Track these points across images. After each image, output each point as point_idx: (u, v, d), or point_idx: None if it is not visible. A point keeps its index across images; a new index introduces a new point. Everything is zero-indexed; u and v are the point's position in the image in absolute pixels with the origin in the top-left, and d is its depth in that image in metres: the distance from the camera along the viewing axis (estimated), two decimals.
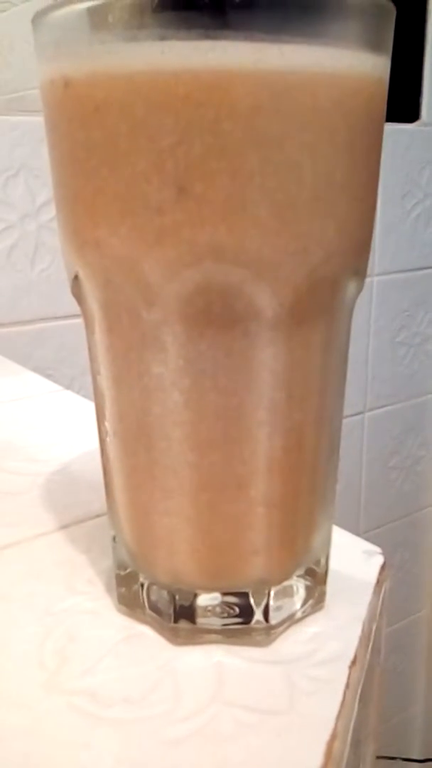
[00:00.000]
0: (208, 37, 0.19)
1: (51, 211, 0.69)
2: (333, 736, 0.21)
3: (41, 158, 0.67)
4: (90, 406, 0.51)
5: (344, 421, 1.07)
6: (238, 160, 0.20)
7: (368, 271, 1.04)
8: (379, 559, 0.30)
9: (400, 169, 0.99)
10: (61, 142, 0.22)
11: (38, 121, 0.68)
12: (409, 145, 0.99)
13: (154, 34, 0.19)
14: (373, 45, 0.21)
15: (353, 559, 0.30)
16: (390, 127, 0.99)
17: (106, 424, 0.26)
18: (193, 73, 0.19)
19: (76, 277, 0.24)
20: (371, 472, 1.12)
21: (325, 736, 0.21)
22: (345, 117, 0.21)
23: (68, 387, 0.55)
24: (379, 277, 1.02)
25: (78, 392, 0.54)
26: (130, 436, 0.25)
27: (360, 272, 0.24)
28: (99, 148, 0.21)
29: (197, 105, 0.19)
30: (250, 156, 0.20)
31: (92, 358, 0.25)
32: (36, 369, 0.64)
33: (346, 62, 0.20)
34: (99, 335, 0.24)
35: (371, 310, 1.03)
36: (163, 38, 0.19)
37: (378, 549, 0.31)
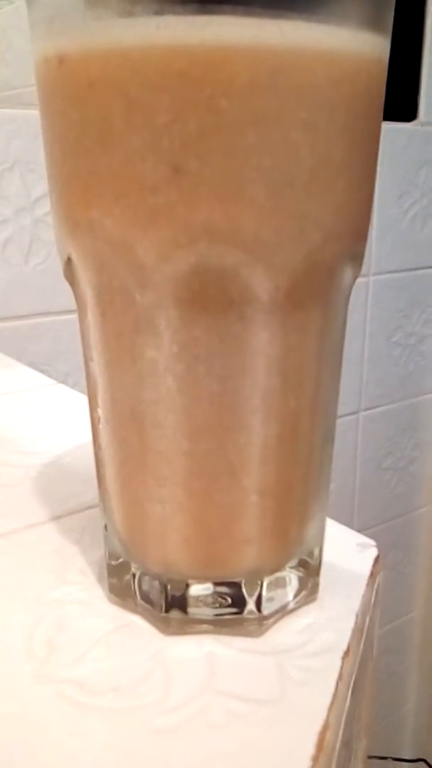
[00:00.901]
0: (204, 11, 0.18)
1: (46, 206, 0.69)
2: (325, 727, 0.21)
3: (37, 152, 0.67)
4: (83, 400, 0.50)
5: (338, 421, 1.07)
6: (234, 139, 0.19)
7: (364, 271, 1.05)
8: (373, 552, 0.30)
9: (397, 169, 0.99)
10: (54, 121, 0.22)
11: (35, 114, 0.68)
12: (406, 144, 0.99)
13: (150, 8, 0.18)
14: (373, 24, 0.21)
15: (347, 552, 0.30)
16: (387, 127, 1.00)
17: (99, 411, 0.25)
18: (188, 49, 0.19)
19: (68, 260, 0.24)
20: (365, 473, 1.12)
21: (317, 726, 0.21)
22: (344, 96, 0.20)
23: (63, 383, 0.55)
24: (375, 277, 1.02)
25: (72, 388, 0.53)
26: (123, 422, 0.24)
27: (357, 258, 0.24)
28: (93, 126, 0.20)
29: (193, 81, 0.19)
30: (247, 134, 0.19)
31: (84, 344, 0.25)
32: (30, 364, 0.64)
33: (345, 41, 0.20)
34: (92, 320, 0.24)
35: (367, 310, 1.03)
36: (158, 13, 0.18)
37: (372, 542, 0.31)
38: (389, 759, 1.24)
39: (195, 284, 0.21)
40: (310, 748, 0.20)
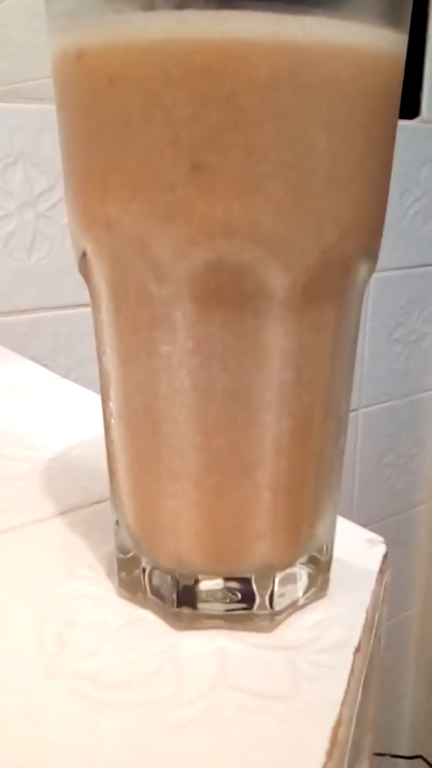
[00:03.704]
0: (226, 6, 0.18)
1: (49, 200, 0.68)
2: (338, 722, 0.21)
3: (40, 147, 0.67)
4: (88, 395, 0.50)
5: None
6: (253, 134, 0.19)
7: None
8: (382, 548, 0.30)
9: (399, 166, 0.99)
10: (72, 116, 0.22)
11: (37, 109, 0.68)
12: (408, 141, 0.99)
13: (171, 2, 0.18)
14: (392, 21, 0.21)
15: (355, 548, 0.30)
16: None
17: (111, 405, 0.25)
18: (209, 43, 0.18)
19: (83, 255, 0.24)
20: (365, 469, 1.12)
21: (331, 721, 0.21)
22: (362, 93, 0.20)
23: (65, 377, 0.55)
24: (376, 274, 1.02)
25: (75, 383, 0.53)
26: (136, 417, 0.24)
27: (372, 254, 0.24)
28: (112, 121, 0.20)
29: (213, 76, 0.19)
30: (266, 130, 0.19)
31: (98, 338, 0.25)
32: (32, 359, 0.63)
33: (365, 37, 0.20)
34: (106, 314, 0.24)
35: (367, 307, 1.03)
36: (179, 7, 0.18)
37: (380, 538, 0.31)
38: (387, 755, 1.24)
39: (211, 280, 0.21)
40: (324, 743, 0.20)
